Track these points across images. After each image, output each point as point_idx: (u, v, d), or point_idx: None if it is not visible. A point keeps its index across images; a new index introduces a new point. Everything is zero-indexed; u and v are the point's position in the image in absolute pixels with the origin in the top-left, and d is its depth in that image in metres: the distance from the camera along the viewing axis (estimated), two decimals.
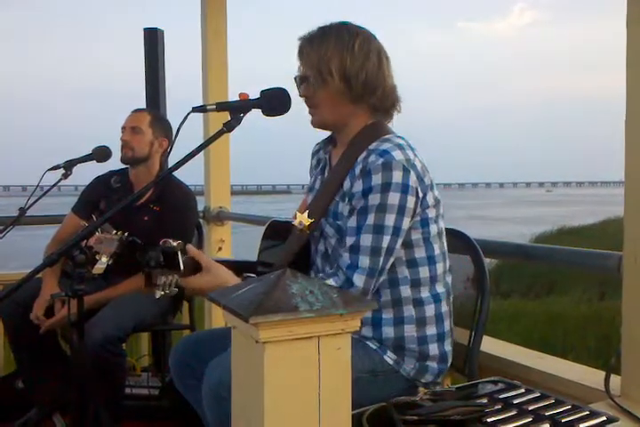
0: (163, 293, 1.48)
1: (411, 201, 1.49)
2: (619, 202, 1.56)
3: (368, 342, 1.60)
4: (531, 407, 1.34)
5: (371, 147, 1.54)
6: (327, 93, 1.61)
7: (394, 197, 1.47)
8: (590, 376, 1.66)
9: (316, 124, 1.68)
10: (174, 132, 1.56)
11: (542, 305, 8.31)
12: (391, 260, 1.52)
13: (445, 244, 1.66)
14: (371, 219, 1.48)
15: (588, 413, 1.32)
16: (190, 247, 1.53)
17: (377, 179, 1.47)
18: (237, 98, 1.57)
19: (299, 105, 1.65)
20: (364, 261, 1.48)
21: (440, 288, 1.62)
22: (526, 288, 10.05)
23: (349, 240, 1.51)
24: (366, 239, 1.48)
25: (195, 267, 1.52)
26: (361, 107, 1.63)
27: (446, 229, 1.68)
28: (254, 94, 1.56)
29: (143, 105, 3.72)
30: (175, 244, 1.49)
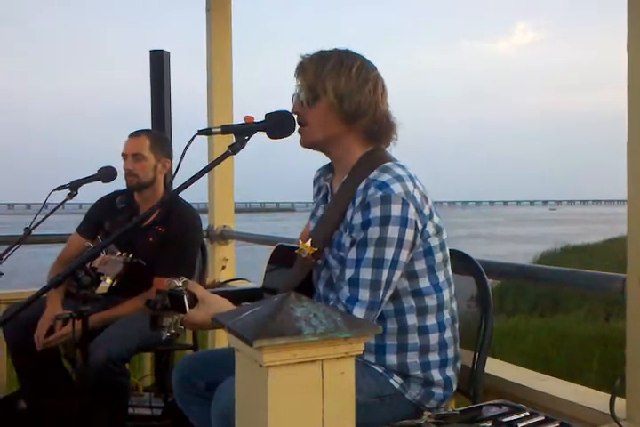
0: (168, 334, 1.50)
1: (409, 234, 1.49)
2: (623, 220, 1.56)
3: (374, 367, 1.59)
4: None
5: (371, 176, 1.52)
6: (318, 111, 1.59)
7: (393, 231, 1.47)
8: (595, 399, 1.65)
9: (305, 143, 1.65)
10: (177, 151, 1.56)
11: (547, 324, 8.25)
12: (389, 292, 1.52)
13: (450, 270, 1.65)
14: (370, 252, 1.47)
15: None
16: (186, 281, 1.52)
17: (376, 212, 1.47)
18: (242, 120, 1.58)
19: None
20: (365, 294, 1.48)
21: (446, 315, 1.62)
22: (531, 307, 9.99)
23: (349, 273, 1.50)
24: (366, 273, 1.48)
25: (192, 300, 1.50)
26: (353, 130, 1.60)
27: (449, 250, 1.66)
28: (258, 114, 1.57)
29: (149, 124, 3.74)
30: (180, 283, 1.49)
